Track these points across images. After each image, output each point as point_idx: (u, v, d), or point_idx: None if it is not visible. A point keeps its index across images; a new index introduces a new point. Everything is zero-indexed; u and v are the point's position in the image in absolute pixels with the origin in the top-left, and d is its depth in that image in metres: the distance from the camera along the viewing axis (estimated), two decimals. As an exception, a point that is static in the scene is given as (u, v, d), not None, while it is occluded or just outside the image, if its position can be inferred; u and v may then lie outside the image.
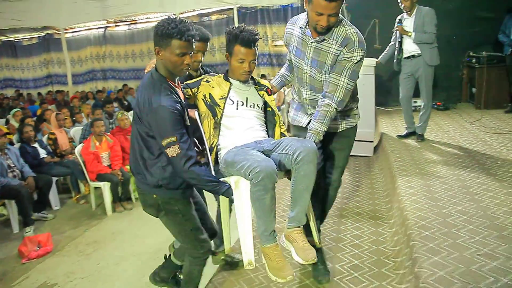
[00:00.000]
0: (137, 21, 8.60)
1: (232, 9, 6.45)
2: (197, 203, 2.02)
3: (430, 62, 3.91)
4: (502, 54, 5.08)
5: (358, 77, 1.98)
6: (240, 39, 1.88)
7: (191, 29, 1.66)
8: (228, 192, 1.79)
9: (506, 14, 5.02)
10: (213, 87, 2.01)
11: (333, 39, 1.91)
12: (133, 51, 9.00)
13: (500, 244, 1.99)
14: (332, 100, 1.94)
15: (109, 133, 4.51)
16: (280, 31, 7.88)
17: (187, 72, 1.87)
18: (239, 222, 1.83)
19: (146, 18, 8.31)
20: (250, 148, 1.86)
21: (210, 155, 2.01)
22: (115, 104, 6.40)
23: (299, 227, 1.86)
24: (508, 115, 4.89)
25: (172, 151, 1.65)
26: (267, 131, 2.08)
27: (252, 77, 2.09)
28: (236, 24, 6.47)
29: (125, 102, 7.32)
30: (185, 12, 6.94)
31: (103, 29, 9.23)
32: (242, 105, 2.00)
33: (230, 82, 2.02)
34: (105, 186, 4.10)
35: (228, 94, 1.99)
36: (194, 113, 2.07)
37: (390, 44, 4.23)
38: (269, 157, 1.80)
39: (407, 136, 4.31)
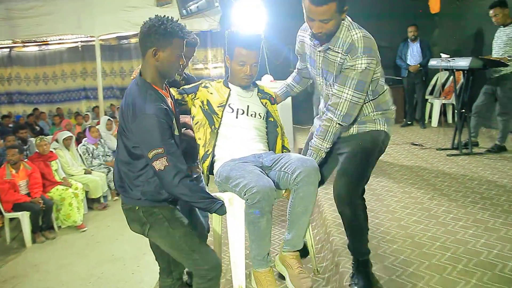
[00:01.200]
0: (49, 42, 8.16)
1: (154, 33, 6.53)
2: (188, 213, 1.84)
3: None
4: (399, 77, 6.02)
5: (367, 88, 1.72)
6: (241, 40, 1.77)
7: (188, 30, 1.61)
8: (221, 209, 1.62)
9: (401, 42, 5.96)
10: (211, 93, 1.87)
11: (338, 47, 1.71)
12: (45, 73, 8.46)
13: (405, 239, 2.43)
14: (334, 115, 1.73)
15: (27, 160, 4.26)
16: (200, 55, 8.13)
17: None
18: (231, 244, 1.71)
19: (59, 39, 7.94)
20: (248, 163, 1.72)
21: (203, 163, 1.86)
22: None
23: (295, 251, 1.74)
24: (403, 129, 5.87)
25: (160, 164, 1.49)
26: (268, 143, 1.93)
27: (255, 84, 1.96)
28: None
29: (37, 127, 6.87)
30: (104, 34, 6.83)
31: (8, 50, 8.56)
32: (243, 113, 1.85)
33: (229, 88, 1.88)
34: (24, 216, 3.85)
35: (227, 101, 1.84)
36: (189, 120, 1.94)
37: None
38: (268, 174, 1.70)
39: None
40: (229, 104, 1.85)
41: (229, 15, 6.01)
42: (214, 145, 1.85)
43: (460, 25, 5.88)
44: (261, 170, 1.71)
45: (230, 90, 1.88)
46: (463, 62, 4.02)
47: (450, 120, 6.05)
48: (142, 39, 1.57)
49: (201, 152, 1.88)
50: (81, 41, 8.19)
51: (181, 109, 1.92)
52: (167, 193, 1.60)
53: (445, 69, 4.41)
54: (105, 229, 4.26)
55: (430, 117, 6.06)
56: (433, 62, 4.53)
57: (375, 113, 1.85)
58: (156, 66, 1.58)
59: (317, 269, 2.03)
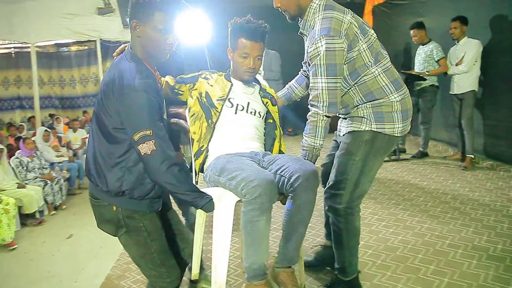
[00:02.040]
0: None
1: (95, 41, 6.39)
2: (169, 217, 1.65)
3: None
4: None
5: (340, 70, 1.57)
6: (245, 31, 1.65)
7: (177, 2, 1.42)
8: (209, 205, 1.45)
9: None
10: (211, 85, 1.75)
11: (307, 32, 1.69)
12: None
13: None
14: (318, 108, 1.60)
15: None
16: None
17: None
18: (215, 243, 1.50)
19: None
20: (245, 158, 1.60)
21: (196, 160, 1.74)
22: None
23: (290, 267, 1.55)
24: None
25: (146, 148, 1.32)
26: (264, 144, 1.82)
27: (257, 81, 1.86)
28: (100, 57, 6.44)
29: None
30: (41, 41, 6.54)
31: None
32: (242, 110, 1.74)
33: (231, 82, 1.76)
34: None
35: (227, 96, 1.73)
36: (184, 111, 1.84)
37: None
38: None
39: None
40: (229, 99, 1.73)
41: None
42: (209, 140, 1.72)
43: (390, 41, 6.39)
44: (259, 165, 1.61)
45: (231, 84, 1.75)
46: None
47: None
48: (128, 9, 1.41)
49: (195, 147, 1.75)
50: (15, 47, 7.75)
51: (176, 99, 1.83)
52: (151, 185, 1.44)
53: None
54: (40, 246, 4.06)
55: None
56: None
57: (364, 105, 1.65)
58: (140, 41, 1.41)
59: (304, 286, 1.77)
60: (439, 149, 5.01)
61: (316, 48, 1.54)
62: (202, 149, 1.73)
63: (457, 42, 4.10)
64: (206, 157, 1.75)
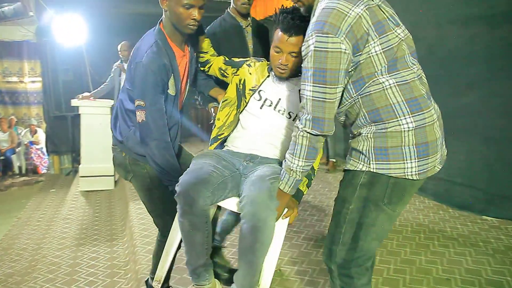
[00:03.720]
0: None
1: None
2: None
3: None
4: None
5: (333, 78, 1.17)
6: (281, 21, 1.42)
7: None
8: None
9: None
10: (250, 73, 1.66)
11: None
12: None
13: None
14: (300, 121, 1.25)
15: None
16: (14, 66, 7.23)
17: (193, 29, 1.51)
18: (169, 236, 1.57)
19: None
20: (220, 158, 1.50)
21: (210, 146, 1.70)
22: None
23: None
24: None
25: (139, 116, 1.50)
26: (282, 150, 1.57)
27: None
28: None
29: None
30: None
31: None
32: (270, 105, 1.58)
33: (269, 73, 1.63)
34: None
35: (259, 87, 1.61)
36: (221, 95, 1.78)
37: (107, 81, 4.76)
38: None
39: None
40: (259, 91, 1.61)
41: (47, 27, 5.57)
42: (231, 131, 1.66)
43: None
44: (238, 174, 1.50)
45: (268, 76, 1.63)
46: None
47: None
48: None
49: (213, 133, 1.70)
50: None
51: (224, 81, 1.80)
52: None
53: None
54: None
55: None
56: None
57: (366, 128, 1.23)
58: (167, 15, 1.51)
59: None
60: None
61: (307, 47, 1.18)
62: (219, 137, 1.69)
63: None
64: (219, 146, 1.70)
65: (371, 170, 1.21)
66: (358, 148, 1.24)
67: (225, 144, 1.69)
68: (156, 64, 1.46)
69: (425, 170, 1.19)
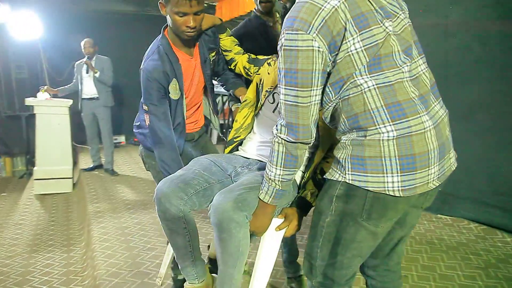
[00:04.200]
0: None
1: None
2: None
3: (106, 103, 4.57)
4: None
5: (304, 80, 1.03)
6: None
7: None
8: None
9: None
10: (269, 73, 1.58)
11: None
12: None
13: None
14: (276, 125, 1.15)
15: None
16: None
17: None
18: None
19: None
20: (211, 164, 1.46)
21: (225, 148, 1.63)
22: None
23: None
24: None
25: (146, 120, 1.61)
26: None
27: None
28: None
29: None
30: None
31: None
32: None
33: None
34: None
35: (274, 89, 1.51)
36: (242, 94, 1.74)
37: (73, 81, 4.63)
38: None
39: (92, 169, 4.85)
40: (274, 93, 1.53)
41: (2, 24, 5.27)
42: (247, 134, 1.59)
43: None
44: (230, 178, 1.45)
45: None
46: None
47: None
48: None
49: (230, 135, 1.62)
50: None
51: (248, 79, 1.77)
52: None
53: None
54: None
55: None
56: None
57: (348, 135, 1.10)
58: (168, 21, 1.54)
59: None
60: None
61: (279, 46, 1.05)
62: (235, 139, 1.60)
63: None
64: (234, 149, 1.60)
65: (347, 181, 1.06)
66: (337, 155, 1.11)
67: (239, 147, 1.62)
68: (155, 71, 1.54)
69: (411, 186, 1.01)
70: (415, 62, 1.08)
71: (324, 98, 1.11)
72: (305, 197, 1.41)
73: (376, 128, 1.02)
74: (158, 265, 2.16)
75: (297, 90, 1.04)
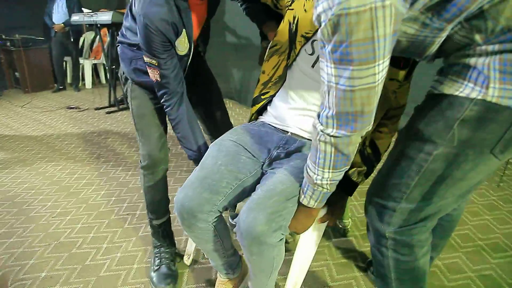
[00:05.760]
0: None
1: None
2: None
3: None
4: (43, 37, 5.35)
5: (370, 54, 0.75)
6: None
7: None
8: (194, 161, 1.37)
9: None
10: (306, 10, 1.20)
11: None
12: None
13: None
14: (319, 119, 0.89)
15: None
16: None
17: None
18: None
19: None
20: (240, 152, 1.16)
21: (252, 107, 1.35)
22: None
23: None
24: (55, 94, 5.40)
25: (152, 74, 1.27)
26: None
27: None
28: None
29: None
30: None
31: None
32: None
33: None
34: None
35: (315, 34, 1.17)
36: (271, 31, 1.37)
37: None
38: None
39: None
40: (313, 41, 1.19)
41: None
42: (279, 88, 1.26)
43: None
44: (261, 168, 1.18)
45: None
46: (105, 17, 3.94)
47: (103, 80, 6.06)
48: None
49: (256, 91, 1.34)
50: None
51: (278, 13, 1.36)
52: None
53: (90, 26, 4.24)
54: None
55: (83, 79, 5.80)
56: (75, 18, 4.24)
57: (489, 44, 0.81)
58: None
59: None
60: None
61: (320, 11, 0.73)
62: (263, 97, 1.30)
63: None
64: (263, 108, 1.32)
65: (488, 98, 0.75)
66: (468, 62, 0.77)
67: (268, 106, 1.32)
68: (161, 23, 1.17)
69: None
70: None
71: (427, 36, 0.78)
72: (350, 176, 1.16)
73: None
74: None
75: (353, 70, 0.73)
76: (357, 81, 0.74)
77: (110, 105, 4.47)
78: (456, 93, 0.78)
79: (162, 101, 1.33)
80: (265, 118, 1.32)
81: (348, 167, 0.94)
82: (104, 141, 3.33)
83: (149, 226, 1.64)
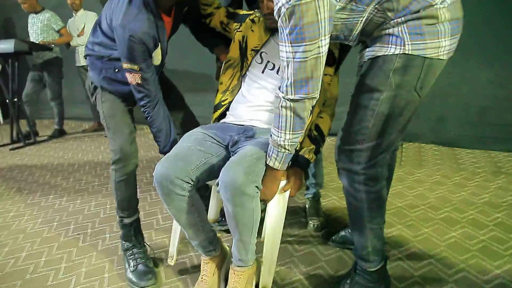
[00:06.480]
0: None
1: None
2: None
3: None
4: None
5: (316, 33, 1.06)
6: None
7: None
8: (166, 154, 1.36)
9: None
10: (253, 30, 1.52)
11: None
12: None
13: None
14: (280, 89, 1.17)
15: None
16: None
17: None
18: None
19: None
20: (205, 138, 1.39)
21: (213, 113, 1.57)
22: None
23: (241, 267, 1.36)
24: None
25: (132, 79, 1.42)
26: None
27: None
28: None
29: None
30: None
31: None
32: (272, 69, 1.47)
33: (272, 31, 1.49)
34: None
35: (261, 48, 1.49)
36: (224, 55, 1.63)
37: None
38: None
39: None
40: (261, 52, 1.50)
41: None
42: (235, 96, 1.53)
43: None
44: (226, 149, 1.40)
45: (270, 35, 1.50)
46: (7, 45, 3.69)
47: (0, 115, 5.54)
48: None
49: (217, 99, 1.57)
50: None
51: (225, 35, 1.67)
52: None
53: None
54: None
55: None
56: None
57: (397, 17, 1.14)
58: None
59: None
60: (72, 126, 4.93)
61: (280, 5, 1.03)
62: (223, 103, 1.55)
63: (75, 14, 4.02)
64: (223, 114, 1.55)
65: (406, 52, 1.08)
66: (387, 32, 1.10)
67: (227, 111, 1.55)
68: (144, 35, 1.36)
69: (452, 50, 1.13)
70: None
71: (351, 18, 1.11)
72: (303, 154, 1.42)
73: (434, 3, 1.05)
74: None
75: (305, 45, 1.02)
76: (308, 53, 1.03)
77: (13, 142, 4.10)
78: (386, 53, 1.11)
79: (141, 102, 1.47)
80: (225, 119, 1.56)
81: (304, 131, 1.21)
82: (20, 175, 3.07)
83: (119, 226, 1.67)
